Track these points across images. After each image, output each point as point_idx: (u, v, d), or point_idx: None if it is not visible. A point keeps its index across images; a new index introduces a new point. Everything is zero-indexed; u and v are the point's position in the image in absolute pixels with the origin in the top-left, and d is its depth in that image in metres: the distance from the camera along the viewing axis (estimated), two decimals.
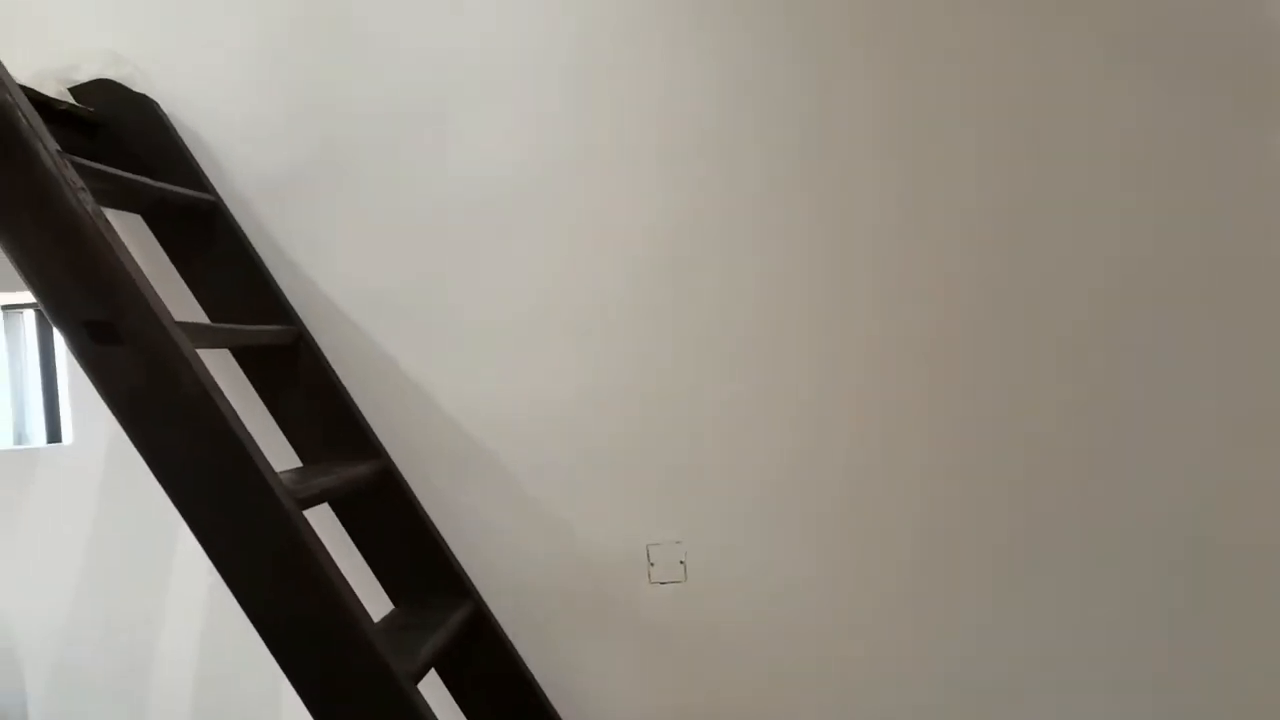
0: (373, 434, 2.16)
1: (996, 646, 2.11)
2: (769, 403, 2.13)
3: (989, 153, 2.08)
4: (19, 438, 2.62)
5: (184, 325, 1.59)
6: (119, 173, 1.87)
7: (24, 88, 1.79)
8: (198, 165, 2.19)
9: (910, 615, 2.12)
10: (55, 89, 2.19)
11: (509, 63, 2.16)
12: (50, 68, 2.25)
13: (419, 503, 2.15)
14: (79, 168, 1.59)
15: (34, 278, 1.52)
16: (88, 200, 1.52)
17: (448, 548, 2.16)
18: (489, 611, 2.16)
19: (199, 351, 1.61)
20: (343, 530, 2.12)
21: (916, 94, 2.09)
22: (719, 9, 2.12)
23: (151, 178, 2.13)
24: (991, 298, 2.09)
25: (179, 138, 2.20)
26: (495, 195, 2.17)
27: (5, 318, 2.60)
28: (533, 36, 2.16)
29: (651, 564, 2.16)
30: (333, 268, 2.21)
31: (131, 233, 2.16)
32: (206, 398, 1.50)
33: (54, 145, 1.53)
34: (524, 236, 2.16)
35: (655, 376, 2.15)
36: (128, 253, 1.53)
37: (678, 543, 2.16)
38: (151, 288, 1.53)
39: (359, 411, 2.16)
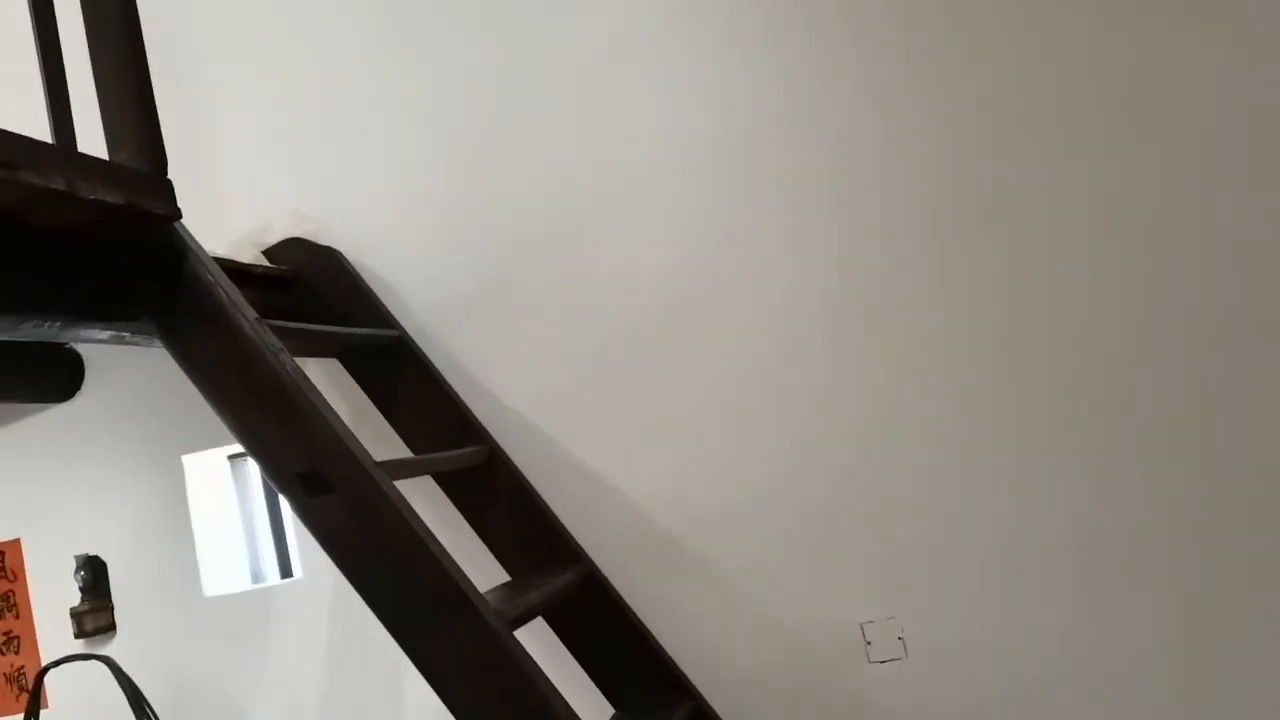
0: (573, 540, 2.19)
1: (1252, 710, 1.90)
2: (972, 467, 2.02)
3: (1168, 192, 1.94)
4: (256, 576, 2.81)
5: (385, 464, 1.67)
6: (311, 327, 2.00)
7: (224, 259, 1.96)
8: (382, 305, 2.32)
9: (1143, 683, 1.94)
10: (251, 254, 2.38)
11: (659, 159, 2.19)
12: (246, 233, 2.44)
13: (626, 604, 2.16)
14: (276, 329, 1.70)
15: (246, 438, 1.63)
16: (287, 361, 1.63)
17: (660, 646, 2.15)
18: (709, 707, 2.13)
19: (401, 483, 1.70)
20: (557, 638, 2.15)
21: (1070, 139, 1.99)
22: (853, 85, 2.09)
23: (343, 321, 2.28)
24: (1218, 343, 1.92)
25: (362, 281, 2.34)
26: (668, 287, 2.19)
27: (233, 466, 2.81)
28: (677, 133, 2.18)
29: (868, 643, 2.08)
30: (515, 382, 2.28)
31: (330, 375, 2.30)
32: (411, 534, 1.56)
33: (252, 314, 1.65)
34: (701, 324, 2.16)
35: (849, 452, 2.08)
36: (327, 404, 1.63)
37: (892, 618, 2.07)
38: (352, 435, 1.62)
39: (557, 519, 2.20)
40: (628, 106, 2.22)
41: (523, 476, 2.22)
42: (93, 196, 1.42)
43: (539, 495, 2.22)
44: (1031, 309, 1.99)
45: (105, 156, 1.56)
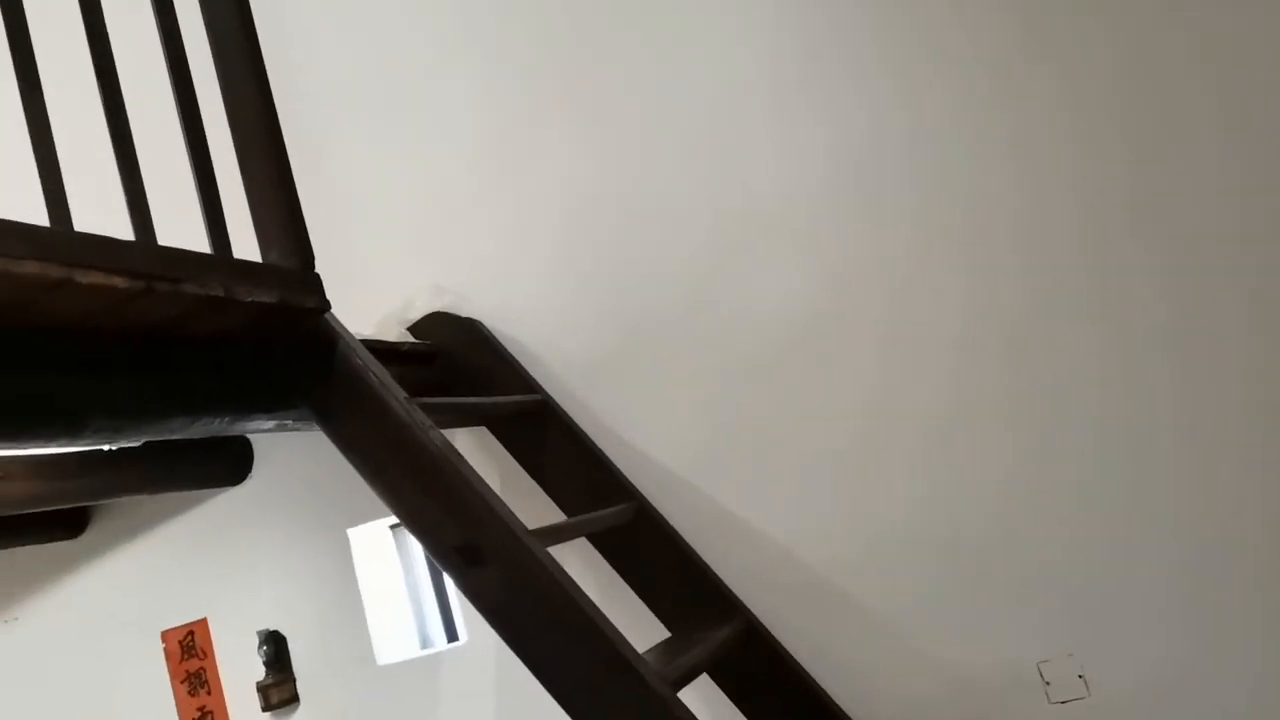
0: (729, 590, 2.17)
1: None
2: (1147, 489, 1.91)
3: None
4: (424, 641, 2.89)
5: (537, 532, 1.70)
6: (457, 400, 2.06)
7: (371, 340, 2.04)
8: (523, 369, 2.37)
9: None
10: (397, 331, 2.48)
11: (784, 204, 2.17)
12: (391, 311, 2.54)
13: (789, 653, 2.12)
14: (424, 406, 1.76)
15: (404, 514, 1.69)
16: (437, 437, 1.68)
17: (829, 696, 2.09)
18: None
19: (555, 548, 1.72)
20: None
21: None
22: (982, 112, 2.03)
23: (488, 388, 2.34)
24: None
25: (502, 348, 2.40)
26: (803, 326, 2.16)
27: (395, 535, 2.91)
28: (799, 176, 2.16)
29: (1047, 683, 1.97)
30: (659, 436, 2.29)
31: (479, 442, 2.36)
32: (568, 600, 1.58)
33: (401, 394, 1.71)
34: (838, 364, 2.12)
35: (1005, 480, 2.00)
36: (478, 476, 1.67)
37: (1070, 656, 1.96)
38: (504, 505, 1.65)
39: (711, 570, 2.18)
40: (749, 153, 2.21)
41: (673, 530, 2.22)
42: (249, 299, 1.50)
43: (691, 548, 2.21)
44: (1203, 320, 1.87)
45: (255, 256, 1.66)
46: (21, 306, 1.25)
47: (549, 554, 1.65)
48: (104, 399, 1.46)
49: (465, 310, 2.48)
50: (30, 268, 1.16)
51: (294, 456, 2.80)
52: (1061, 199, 1.96)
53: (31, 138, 1.30)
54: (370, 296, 2.54)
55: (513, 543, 1.60)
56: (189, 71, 1.62)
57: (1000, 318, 2.01)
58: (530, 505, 2.24)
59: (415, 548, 2.97)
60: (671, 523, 2.23)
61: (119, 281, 1.28)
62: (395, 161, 2.65)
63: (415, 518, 1.67)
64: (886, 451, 2.09)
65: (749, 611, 2.16)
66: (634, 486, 2.26)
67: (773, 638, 2.13)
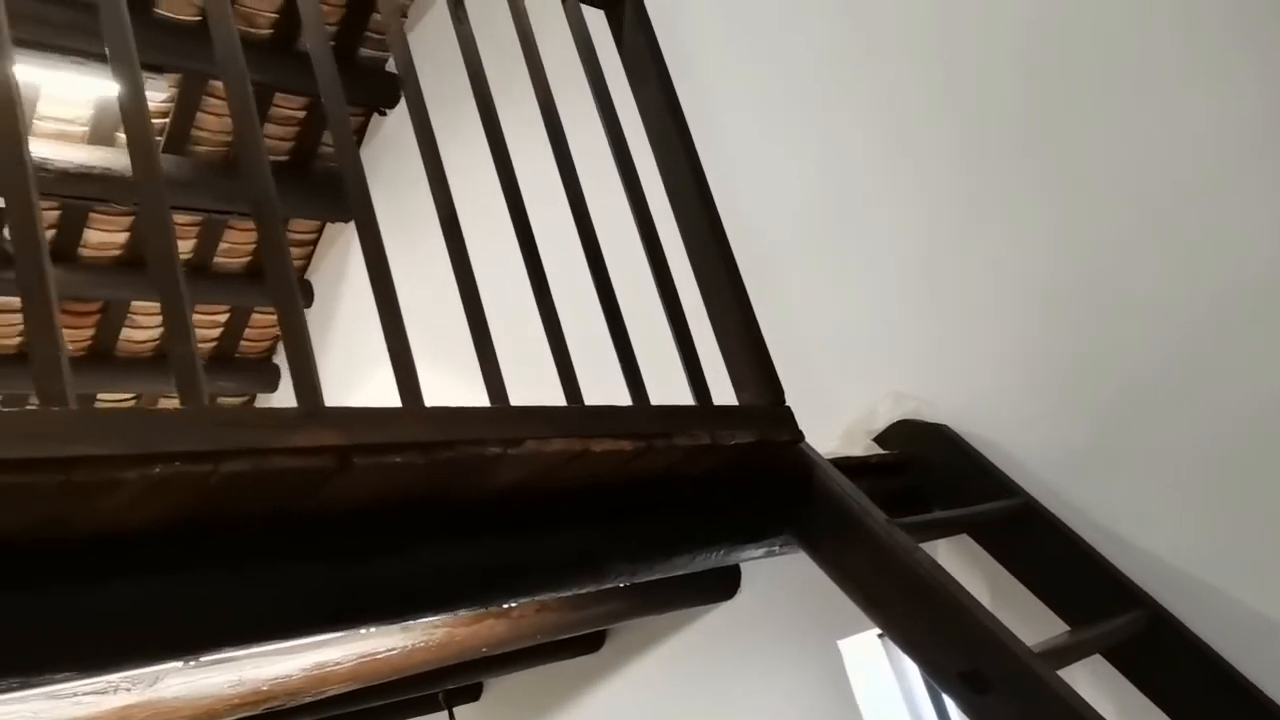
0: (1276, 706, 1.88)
1: None
2: None
3: None
4: None
5: (1045, 653, 1.60)
6: (935, 516, 2.04)
7: (840, 458, 2.09)
8: (1000, 472, 2.27)
9: None
10: (864, 443, 2.50)
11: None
12: (854, 422, 2.58)
13: None
14: (905, 526, 1.75)
15: (900, 640, 1.69)
16: (923, 558, 1.66)
17: None
18: None
19: (1066, 669, 1.61)
20: None
21: None
22: None
23: (961, 494, 2.27)
24: None
25: (975, 451, 2.33)
26: None
27: (885, 644, 2.88)
28: None
29: None
30: (1165, 532, 2.06)
31: (963, 550, 2.29)
32: None
33: (881, 516, 1.73)
34: None
35: None
36: (970, 597, 1.62)
37: None
38: (1002, 625, 1.58)
39: (1258, 689, 1.90)
40: (1234, 226, 1.97)
41: (1200, 640, 1.97)
42: (732, 442, 1.62)
43: (1225, 660, 1.94)
44: None
45: (728, 394, 1.78)
46: (547, 476, 1.45)
47: (1059, 677, 1.55)
48: (619, 546, 1.63)
49: (930, 415, 2.44)
50: (556, 445, 1.35)
51: (777, 568, 2.90)
52: None
53: (546, 332, 1.52)
54: (831, 411, 2.60)
55: (1019, 668, 1.53)
56: (661, 249, 1.80)
57: None
58: (1026, 614, 2.12)
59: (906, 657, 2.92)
60: (1196, 631, 1.99)
61: (625, 445, 1.44)
62: (841, 273, 2.71)
63: (913, 643, 1.66)
64: None
65: None
66: (1144, 591, 2.05)
67: None
